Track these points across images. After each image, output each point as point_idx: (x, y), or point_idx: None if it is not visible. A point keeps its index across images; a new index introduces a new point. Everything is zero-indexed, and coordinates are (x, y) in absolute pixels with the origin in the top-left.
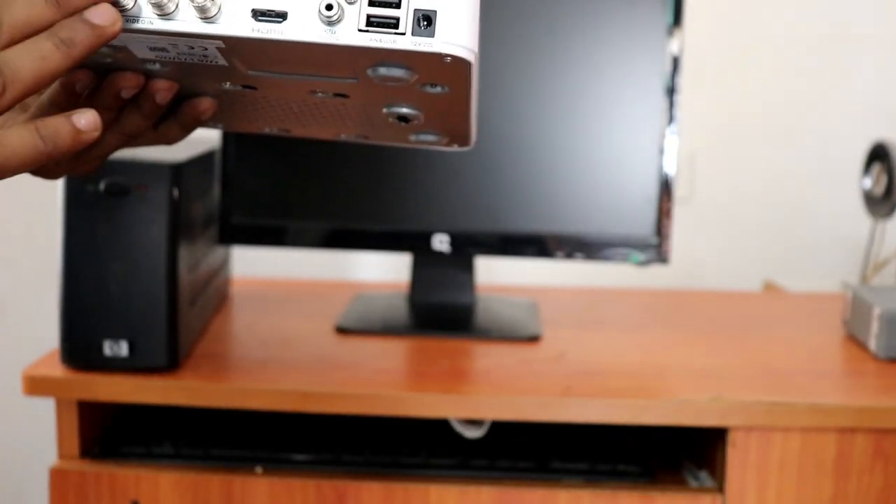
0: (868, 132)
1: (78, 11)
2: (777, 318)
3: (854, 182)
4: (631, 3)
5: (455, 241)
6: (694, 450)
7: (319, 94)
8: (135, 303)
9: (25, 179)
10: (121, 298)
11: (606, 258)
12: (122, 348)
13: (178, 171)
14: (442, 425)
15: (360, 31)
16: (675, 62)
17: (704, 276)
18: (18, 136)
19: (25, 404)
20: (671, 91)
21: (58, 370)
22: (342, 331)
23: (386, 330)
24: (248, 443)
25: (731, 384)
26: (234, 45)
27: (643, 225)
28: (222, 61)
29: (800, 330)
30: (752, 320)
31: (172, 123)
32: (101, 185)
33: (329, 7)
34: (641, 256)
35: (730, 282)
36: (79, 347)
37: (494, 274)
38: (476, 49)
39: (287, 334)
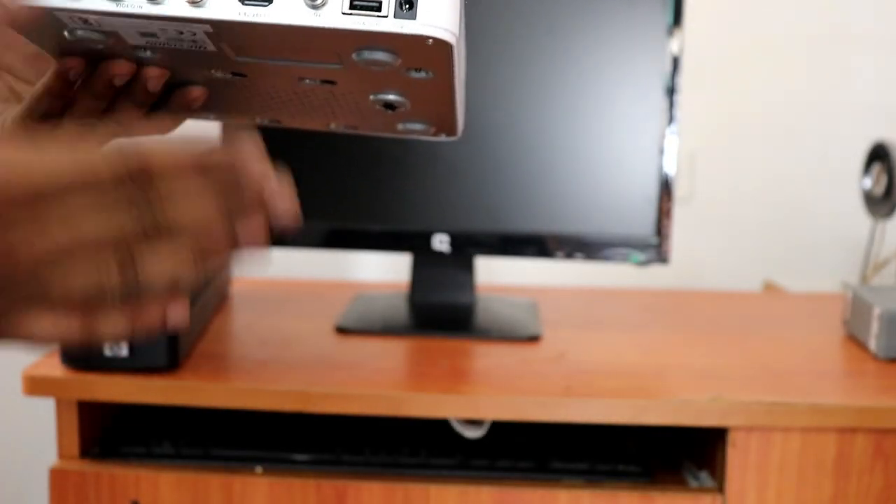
0: (868, 132)
1: None
2: (777, 318)
3: (854, 182)
4: (631, 3)
5: (455, 241)
6: (694, 450)
7: (307, 81)
8: None
9: None
10: None
11: (606, 258)
12: (122, 348)
13: None
14: (442, 425)
15: (343, 13)
16: (675, 62)
17: (704, 276)
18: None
19: (25, 404)
20: (671, 91)
21: (58, 370)
22: (342, 331)
23: (386, 330)
24: (248, 443)
25: (731, 384)
26: (221, 30)
27: (643, 225)
28: (211, 47)
29: (800, 330)
30: (752, 320)
31: (164, 113)
32: None
33: None
34: (641, 256)
35: (730, 282)
36: (79, 347)
37: (494, 274)
38: (457, 31)
39: (287, 334)
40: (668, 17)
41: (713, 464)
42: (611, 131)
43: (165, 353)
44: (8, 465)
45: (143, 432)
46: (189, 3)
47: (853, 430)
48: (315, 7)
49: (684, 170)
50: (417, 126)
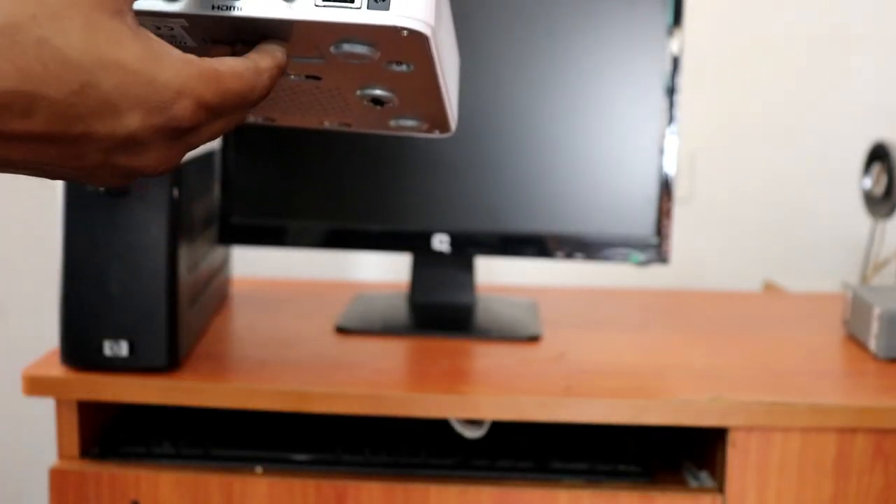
0: (868, 132)
1: None
2: (777, 318)
3: (854, 182)
4: (631, 3)
5: (455, 241)
6: (694, 450)
7: (293, 76)
8: (135, 303)
9: (25, 179)
10: (121, 298)
11: (606, 258)
12: (122, 348)
13: (178, 171)
14: (442, 425)
15: (316, 6)
16: (675, 62)
17: (704, 276)
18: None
19: (25, 404)
20: (671, 91)
21: (58, 370)
22: (342, 331)
23: (386, 330)
24: (248, 443)
25: (731, 384)
26: (197, 24)
27: (643, 225)
28: (191, 42)
29: (800, 330)
30: (752, 320)
31: None
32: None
33: None
34: (641, 256)
35: (730, 282)
36: (79, 347)
37: (494, 274)
38: (433, 22)
39: (287, 334)
40: (668, 17)
41: (713, 464)
42: (611, 131)
43: (165, 353)
44: (8, 465)
45: (143, 432)
46: None
47: (853, 430)
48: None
49: (684, 170)
50: (409, 122)
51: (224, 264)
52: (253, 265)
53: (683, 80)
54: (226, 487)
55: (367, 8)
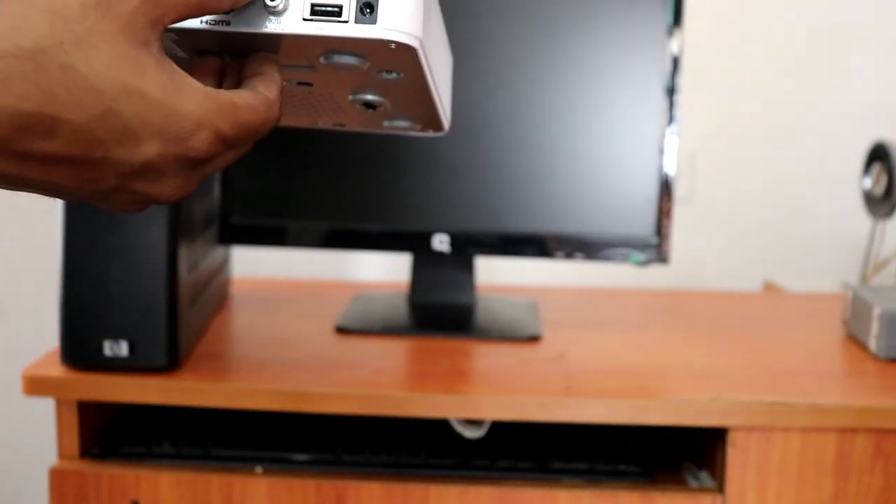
0: (868, 132)
1: None
2: (777, 318)
3: (854, 182)
4: (631, 3)
5: (455, 241)
6: (694, 450)
7: (283, 83)
8: (135, 303)
9: None
10: (121, 298)
11: (606, 258)
12: (122, 348)
13: None
14: (442, 425)
15: (304, 20)
16: (675, 62)
17: (704, 276)
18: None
19: (25, 404)
20: (671, 91)
21: (58, 370)
22: (342, 331)
23: (386, 330)
24: (248, 443)
25: (731, 384)
26: (186, 37)
27: (643, 225)
28: (181, 53)
29: (800, 330)
30: (752, 320)
31: None
32: None
33: None
34: (641, 256)
35: (730, 282)
36: (79, 347)
37: (494, 274)
38: (421, 34)
39: (287, 334)
40: (668, 17)
41: (713, 464)
42: (611, 131)
43: (165, 353)
44: (8, 465)
45: (143, 432)
46: None
47: (853, 430)
48: (275, 13)
49: (684, 170)
50: (402, 123)
51: (224, 264)
52: (253, 265)
53: (683, 80)
54: (226, 487)
55: (355, 22)
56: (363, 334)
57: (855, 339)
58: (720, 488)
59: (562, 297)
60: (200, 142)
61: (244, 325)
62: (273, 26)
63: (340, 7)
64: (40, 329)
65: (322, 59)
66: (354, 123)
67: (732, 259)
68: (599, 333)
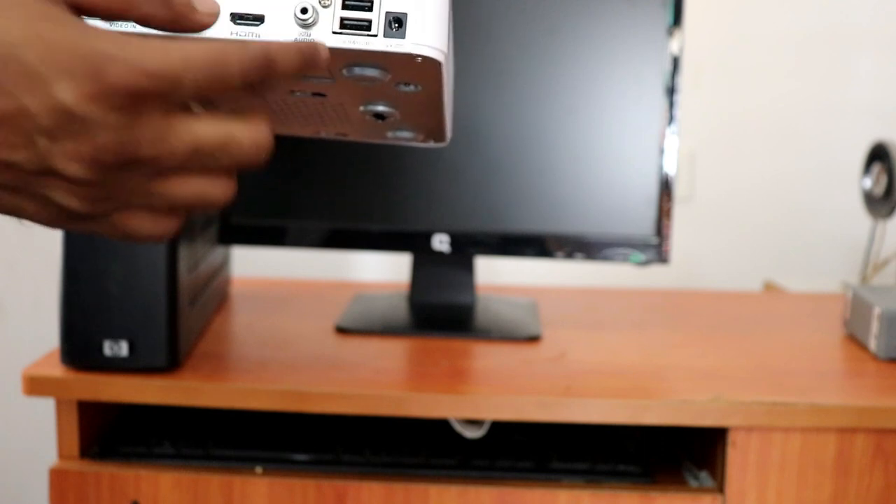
0: (868, 132)
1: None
2: (777, 318)
3: (854, 182)
4: (631, 3)
5: (455, 241)
6: (694, 450)
7: (298, 93)
8: (135, 303)
9: None
10: (121, 298)
11: (606, 258)
12: (122, 348)
13: None
14: (442, 425)
15: (334, 33)
16: (675, 62)
17: (704, 276)
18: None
19: (25, 404)
20: (671, 91)
21: (58, 370)
22: (342, 331)
23: (386, 330)
24: (248, 443)
25: (731, 384)
26: None
27: (643, 225)
28: None
29: (800, 330)
30: (752, 320)
31: None
32: None
33: (304, 10)
34: (641, 256)
35: (730, 282)
36: (79, 347)
37: (495, 274)
38: (445, 49)
39: (287, 334)
40: (668, 17)
41: (713, 464)
42: (611, 131)
43: (165, 353)
44: (8, 465)
45: (143, 432)
46: None
47: (853, 430)
48: (306, 26)
49: (684, 170)
50: (406, 134)
51: (224, 264)
52: (253, 265)
53: (683, 80)
54: (226, 487)
55: (384, 36)
56: (363, 334)
57: (855, 339)
58: (720, 488)
59: (562, 297)
60: (117, 76)
61: (244, 324)
62: (303, 39)
63: (370, 21)
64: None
65: (345, 71)
66: (358, 133)
67: (732, 259)
68: (599, 333)
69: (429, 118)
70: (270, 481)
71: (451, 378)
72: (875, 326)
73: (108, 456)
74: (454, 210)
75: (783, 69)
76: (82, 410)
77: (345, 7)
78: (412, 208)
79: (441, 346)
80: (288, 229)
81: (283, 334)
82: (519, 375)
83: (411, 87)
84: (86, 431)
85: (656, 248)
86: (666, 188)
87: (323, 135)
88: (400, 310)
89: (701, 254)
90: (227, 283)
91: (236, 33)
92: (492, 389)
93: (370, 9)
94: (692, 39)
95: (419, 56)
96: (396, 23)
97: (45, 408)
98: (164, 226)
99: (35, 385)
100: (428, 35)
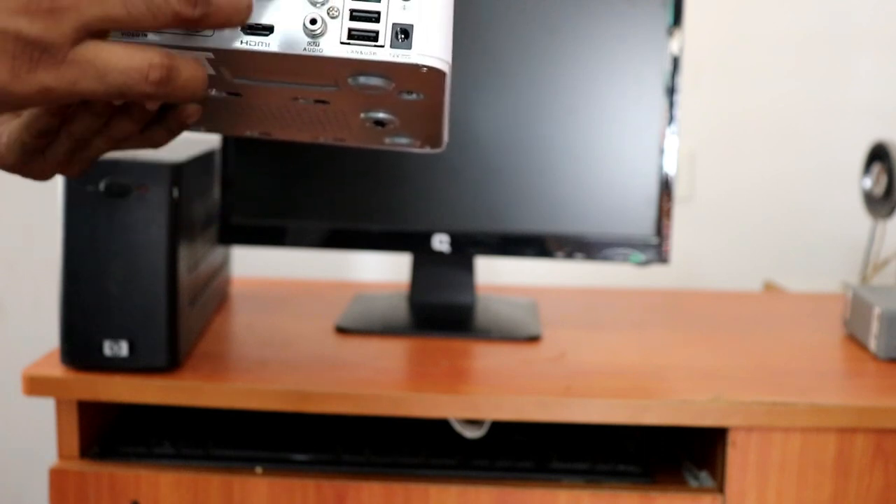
0: (868, 132)
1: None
2: (777, 318)
3: (854, 182)
4: (631, 3)
5: (455, 241)
6: (694, 450)
7: (301, 100)
8: (135, 303)
9: (25, 180)
10: (121, 298)
11: (606, 258)
12: (122, 348)
13: (178, 172)
14: (442, 425)
15: (342, 43)
16: (675, 62)
17: (704, 276)
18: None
19: (25, 404)
20: (671, 91)
21: (58, 370)
22: (342, 331)
23: (386, 330)
24: (248, 443)
25: (731, 384)
26: (222, 57)
27: (643, 225)
28: (210, 70)
29: (800, 330)
30: (752, 320)
31: (159, 128)
32: (101, 186)
33: (313, 21)
34: (641, 256)
35: (730, 282)
36: (79, 347)
37: (495, 274)
38: (450, 60)
39: (287, 334)
40: (668, 17)
41: (713, 464)
42: (611, 131)
43: (165, 353)
44: (8, 465)
45: (143, 432)
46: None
47: (853, 430)
48: (314, 37)
49: (684, 170)
50: (404, 140)
51: (224, 264)
52: (253, 265)
53: (683, 80)
54: (226, 487)
55: (391, 46)
56: (363, 334)
57: (855, 339)
58: (720, 488)
59: (562, 297)
60: None
61: (244, 324)
62: (312, 49)
63: (377, 32)
64: (40, 329)
65: (350, 80)
66: (356, 139)
67: (732, 259)
68: (599, 333)
69: (428, 125)
70: (270, 481)
71: (451, 378)
72: (875, 326)
73: (108, 456)
74: (454, 210)
75: (783, 69)
76: (82, 410)
77: (353, 18)
78: (412, 208)
79: (441, 346)
80: (288, 229)
81: (283, 334)
82: (519, 375)
83: (414, 96)
84: (86, 431)
85: (656, 248)
86: (666, 188)
87: (321, 140)
88: (400, 310)
89: (701, 254)
90: (227, 283)
91: (246, 42)
92: (492, 389)
93: (377, 20)
94: (692, 39)
95: (425, 67)
96: (403, 34)
97: (45, 408)
98: (140, 57)
99: (35, 385)
100: (433, 46)
